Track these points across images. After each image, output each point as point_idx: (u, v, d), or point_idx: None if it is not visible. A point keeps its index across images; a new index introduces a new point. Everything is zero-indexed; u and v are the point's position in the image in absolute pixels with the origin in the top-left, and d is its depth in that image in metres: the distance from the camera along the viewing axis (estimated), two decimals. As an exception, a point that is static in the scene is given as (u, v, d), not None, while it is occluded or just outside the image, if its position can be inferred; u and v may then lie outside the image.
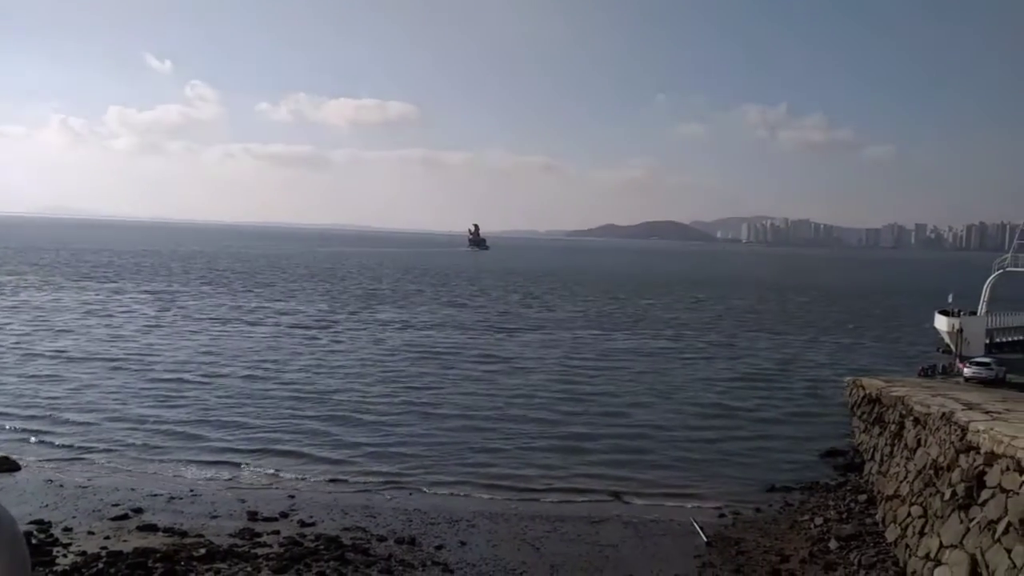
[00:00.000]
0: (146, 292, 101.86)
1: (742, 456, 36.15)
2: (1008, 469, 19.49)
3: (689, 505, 29.40)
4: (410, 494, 29.59)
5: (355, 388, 47.01)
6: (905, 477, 26.96)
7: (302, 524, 25.62)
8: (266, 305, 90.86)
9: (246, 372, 50.93)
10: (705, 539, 25.64)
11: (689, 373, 56.67)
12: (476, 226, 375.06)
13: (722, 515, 28.38)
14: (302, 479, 30.88)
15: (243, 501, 27.75)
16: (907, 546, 23.42)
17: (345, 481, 30.79)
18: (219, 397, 43.75)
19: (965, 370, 43.12)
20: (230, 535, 24.17)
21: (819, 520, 27.41)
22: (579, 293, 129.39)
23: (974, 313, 56.20)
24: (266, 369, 52.09)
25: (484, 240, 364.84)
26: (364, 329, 73.40)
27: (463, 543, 24.66)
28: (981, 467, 21.04)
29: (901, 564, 23.14)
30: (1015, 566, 17.25)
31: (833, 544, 25.03)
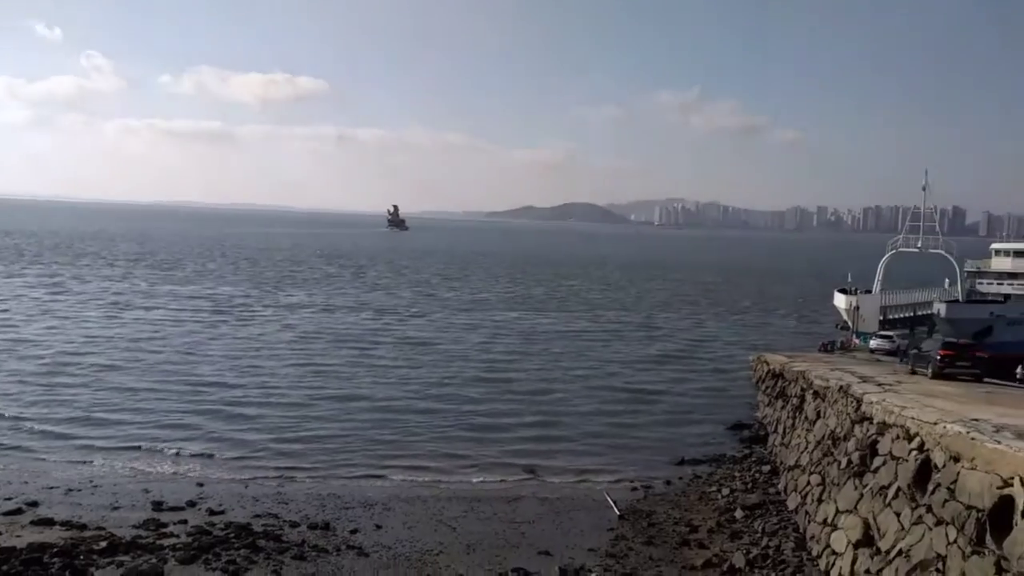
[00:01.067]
0: (38, 276, 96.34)
1: (654, 431, 37.17)
2: (898, 438, 20.63)
3: (603, 480, 30.01)
4: (324, 479, 29.06)
5: (266, 374, 45.74)
6: (805, 448, 28.25)
7: (211, 512, 24.84)
8: (173, 288, 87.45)
9: (148, 358, 48.91)
10: (618, 513, 26.24)
11: (605, 353, 57.72)
12: (395, 206, 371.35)
13: (635, 489, 29.10)
14: (211, 467, 29.85)
15: (147, 491, 26.67)
16: (807, 513, 24.58)
17: (256, 468, 29.91)
18: (118, 384, 41.86)
19: (871, 342, 46.09)
20: (133, 526, 23.21)
21: (726, 491, 28.45)
22: (499, 275, 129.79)
23: (870, 291, 59.20)
24: (169, 355, 50.15)
25: (403, 221, 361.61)
26: (275, 313, 71.59)
27: (378, 526, 24.45)
28: (874, 436, 22.21)
29: (801, 530, 24.28)
30: (903, 528, 18.32)
31: (739, 513, 26.02)
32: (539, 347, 58.82)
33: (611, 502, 27.23)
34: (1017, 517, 14.33)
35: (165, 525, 23.45)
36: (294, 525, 24.11)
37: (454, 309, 79.68)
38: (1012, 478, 14.90)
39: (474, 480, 29.73)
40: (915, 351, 36.96)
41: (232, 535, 22.77)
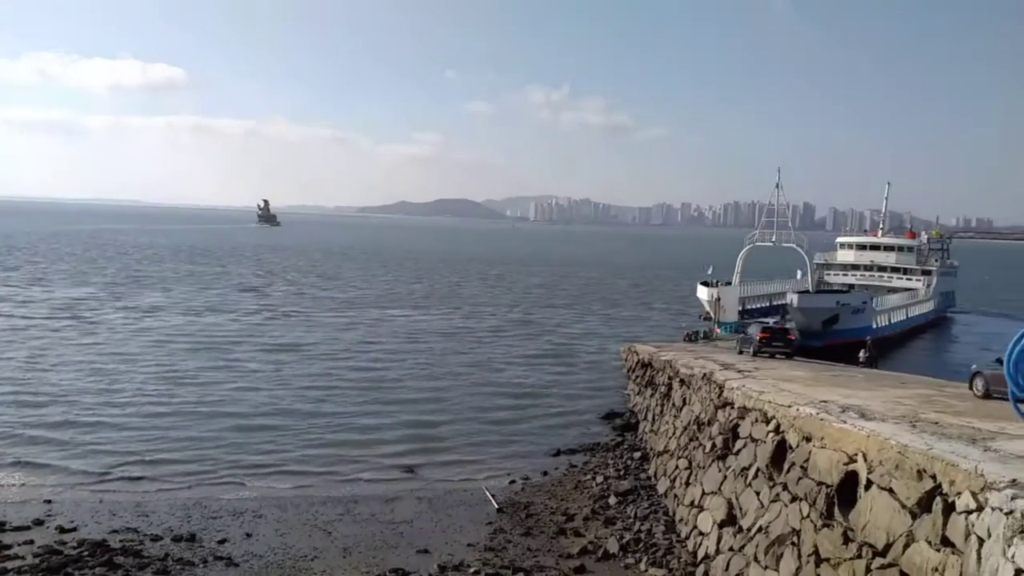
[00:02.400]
0: None
1: (532, 424, 37.65)
2: (757, 421, 21.87)
3: (482, 475, 30.10)
4: (188, 489, 27.42)
5: (119, 382, 42.35)
6: (673, 433, 29.48)
7: (61, 530, 22.98)
8: (11, 291, 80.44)
9: (-11, 365, 44.75)
10: (496, 506, 26.43)
11: (483, 350, 57.91)
12: (266, 201, 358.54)
13: (513, 481, 29.38)
14: (60, 483, 27.41)
15: (-14, 511, 24.37)
16: (675, 496, 25.66)
17: (112, 481, 27.81)
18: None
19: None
20: (-30, 551, 21.15)
21: (600, 478, 29.25)
22: (376, 272, 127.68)
23: (729, 283, 62.50)
24: (8, 363, 46.04)
25: (275, 216, 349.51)
26: (129, 317, 67.10)
27: (248, 535, 23.45)
28: (735, 420, 23.44)
29: (671, 513, 25.33)
30: (762, 506, 19.44)
31: (612, 500, 26.82)
32: (417, 346, 58.27)
33: (490, 496, 27.39)
34: (860, 490, 15.49)
35: (8, 547, 21.49)
36: (156, 539, 22.72)
37: (328, 308, 77.68)
38: (856, 454, 16.09)
39: (350, 482, 29.05)
40: (742, 335, 41.70)
41: (86, 553, 21.17)
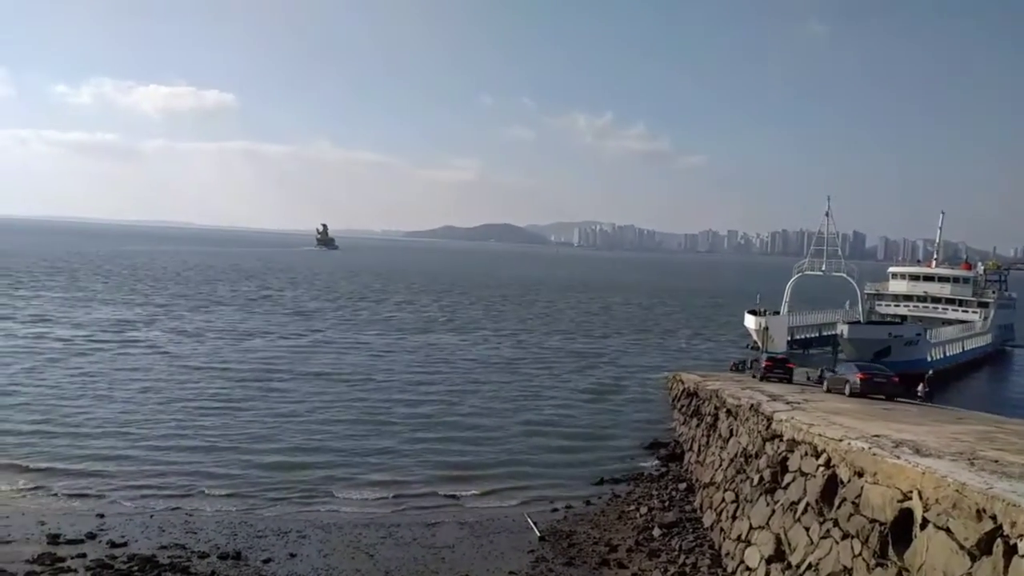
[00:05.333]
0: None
1: (575, 452, 37.32)
2: (806, 454, 21.40)
3: (524, 503, 29.93)
4: (235, 508, 27.89)
5: (168, 405, 43.15)
6: (719, 465, 28.98)
7: (112, 545, 23.50)
8: (69, 311, 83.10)
9: (47, 380, 46.21)
10: (539, 534, 26.22)
11: (527, 376, 57.77)
12: (324, 225, 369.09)
13: (555, 510, 29.14)
14: (112, 498, 28.13)
15: (43, 523, 25.03)
16: (722, 529, 25.16)
17: (162, 498, 28.42)
18: (14, 410, 39.23)
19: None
20: (27, 561, 21.71)
21: (644, 509, 28.84)
22: (424, 296, 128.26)
23: (778, 313, 61.56)
24: (69, 379, 47.45)
25: (333, 240, 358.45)
26: (185, 338, 68.80)
27: (292, 555, 23.67)
28: (784, 453, 22.97)
29: (717, 547, 24.82)
30: (812, 542, 18.96)
31: (656, 532, 26.41)
32: (460, 370, 58.45)
33: (531, 524, 27.21)
34: (916, 529, 15.03)
35: (63, 559, 22.06)
36: (203, 556, 23.08)
37: (376, 332, 78.40)
38: (911, 491, 15.63)
39: (393, 506, 29.15)
40: (742, 361, 48.16)
41: (136, 568, 21.62)
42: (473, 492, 30.99)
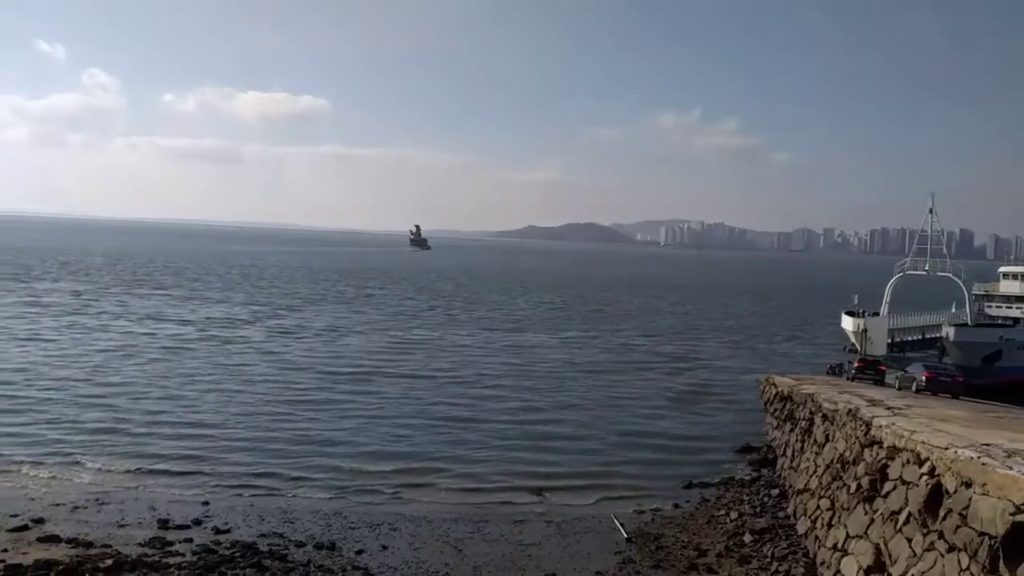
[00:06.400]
0: (71, 292, 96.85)
1: (662, 454, 36.91)
2: (908, 462, 20.48)
3: (610, 503, 29.79)
4: (330, 499, 28.90)
5: (271, 397, 45.38)
6: (814, 471, 28.05)
7: (216, 531, 24.76)
8: (181, 310, 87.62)
9: (160, 375, 49.00)
10: (625, 535, 26.05)
11: (615, 377, 57.46)
12: (417, 227, 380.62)
13: (642, 512, 28.89)
14: (216, 486, 29.69)
15: (153, 509, 26.62)
16: (817, 538, 24.37)
17: (261, 488, 29.75)
18: (128, 402, 41.86)
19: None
20: (139, 544, 23.14)
21: (734, 514, 28.24)
22: (514, 296, 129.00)
23: (877, 314, 59.00)
24: (171, 375, 50.11)
25: (426, 240, 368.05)
26: (291, 336, 71.56)
27: (384, 547, 24.32)
28: (884, 461, 22.05)
29: (811, 555, 24.06)
30: (915, 554, 18.14)
31: (748, 538, 25.81)
32: (549, 369, 58.67)
33: (618, 525, 27.05)
34: (1031, 544, 14.19)
35: (171, 543, 23.39)
36: (300, 545, 24.01)
37: (470, 331, 79.27)
38: (1025, 504, 14.77)
39: (482, 501, 29.54)
40: (838, 364, 47.49)
41: (238, 554, 22.69)
42: (559, 489, 31.09)
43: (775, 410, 40.29)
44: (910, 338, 63.41)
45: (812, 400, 33.34)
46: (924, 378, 36.25)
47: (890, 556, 19.28)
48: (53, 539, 23.16)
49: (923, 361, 43.56)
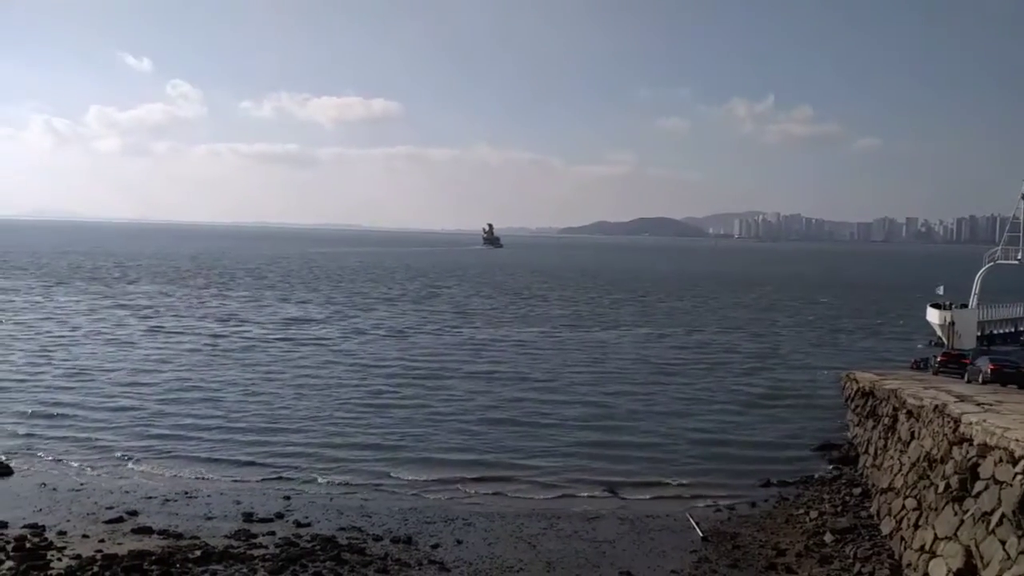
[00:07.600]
0: (161, 295, 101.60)
1: (739, 451, 36.21)
2: (1001, 460, 19.58)
3: (685, 501, 29.42)
4: (406, 494, 29.51)
5: (348, 395, 46.61)
6: (899, 470, 27.07)
7: (298, 525, 25.57)
8: (259, 307, 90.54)
9: (246, 373, 50.92)
10: (701, 534, 25.69)
11: (690, 373, 56.68)
12: (490, 225, 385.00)
13: (718, 510, 28.43)
14: (297, 481, 30.69)
15: (238, 502, 27.68)
16: (902, 539, 23.52)
17: (339, 484, 30.54)
18: (216, 399, 43.66)
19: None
20: (225, 536, 24.10)
21: (814, 514, 27.50)
22: (585, 292, 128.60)
23: (965, 306, 56.48)
24: (247, 376, 51.81)
25: (499, 239, 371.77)
26: (365, 336, 73.21)
27: (459, 541, 24.65)
28: (974, 459, 21.12)
29: (896, 557, 23.24)
30: (1009, 557, 17.33)
31: (828, 537, 25.11)
32: (624, 364, 58.35)
33: (694, 523, 26.69)
34: None
35: (255, 536, 24.26)
36: (377, 539, 24.56)
37: (541, 329, 79.42)
38: None
39: (555, 497, 29.61)
40: (923, 359, 47.03)
41: (318, 548, 23.36)
42: (632, 486, 30.90)
43: (856, 406, 39.04)
44: (1001, 331, 60.47)
45: (895, 396, 32.18)
46: (989, 370, 35.50)
47: (982, 559, 18.46)
48: (146, 531, 24.35)
49: (991, 354, 42.33)
